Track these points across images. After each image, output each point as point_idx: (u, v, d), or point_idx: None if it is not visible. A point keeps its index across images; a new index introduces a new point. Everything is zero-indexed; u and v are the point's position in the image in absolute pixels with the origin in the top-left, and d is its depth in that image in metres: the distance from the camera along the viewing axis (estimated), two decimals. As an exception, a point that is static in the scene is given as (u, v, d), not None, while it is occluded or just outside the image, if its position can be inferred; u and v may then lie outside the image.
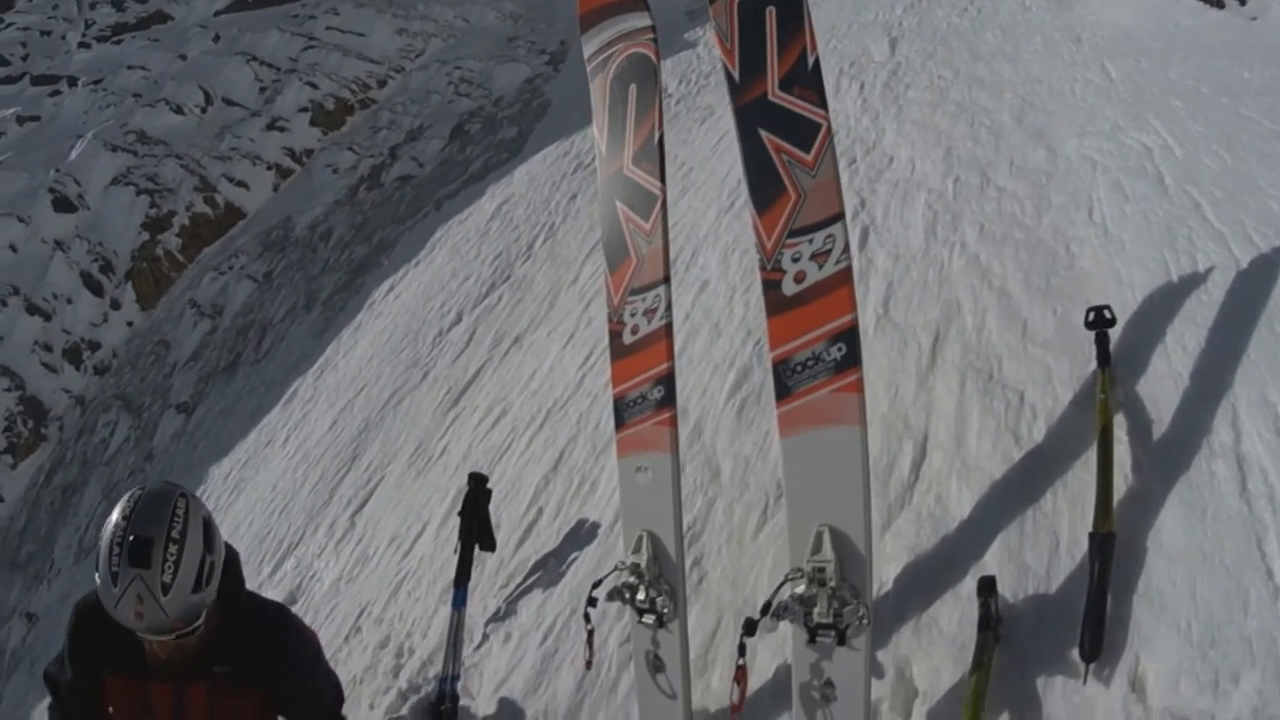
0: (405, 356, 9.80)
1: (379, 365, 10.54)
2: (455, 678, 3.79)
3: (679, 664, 2.72)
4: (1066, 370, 3.15)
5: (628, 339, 3.04)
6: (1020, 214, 4.55)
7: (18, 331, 31.69)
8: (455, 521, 4.88)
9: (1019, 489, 2.80)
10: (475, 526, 4.04)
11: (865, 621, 2.29)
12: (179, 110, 36.60)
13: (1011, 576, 2.50)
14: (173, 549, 2.79)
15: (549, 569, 3.97)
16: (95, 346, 31.79)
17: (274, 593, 6.91)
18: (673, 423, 2.81)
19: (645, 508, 2.87)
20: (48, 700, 3.36)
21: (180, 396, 22.02)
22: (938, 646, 2.48)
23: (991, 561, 2.60)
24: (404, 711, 3.91)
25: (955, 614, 2.53)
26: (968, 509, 2.85)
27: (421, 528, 5.40)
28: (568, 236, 10.36)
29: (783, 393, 2.50)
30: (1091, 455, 2.67)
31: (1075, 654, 2.22)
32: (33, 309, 32.09)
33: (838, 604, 2.31)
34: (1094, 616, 2.22)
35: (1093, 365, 2.98)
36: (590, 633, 2.99)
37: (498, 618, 3.97)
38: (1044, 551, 2.56)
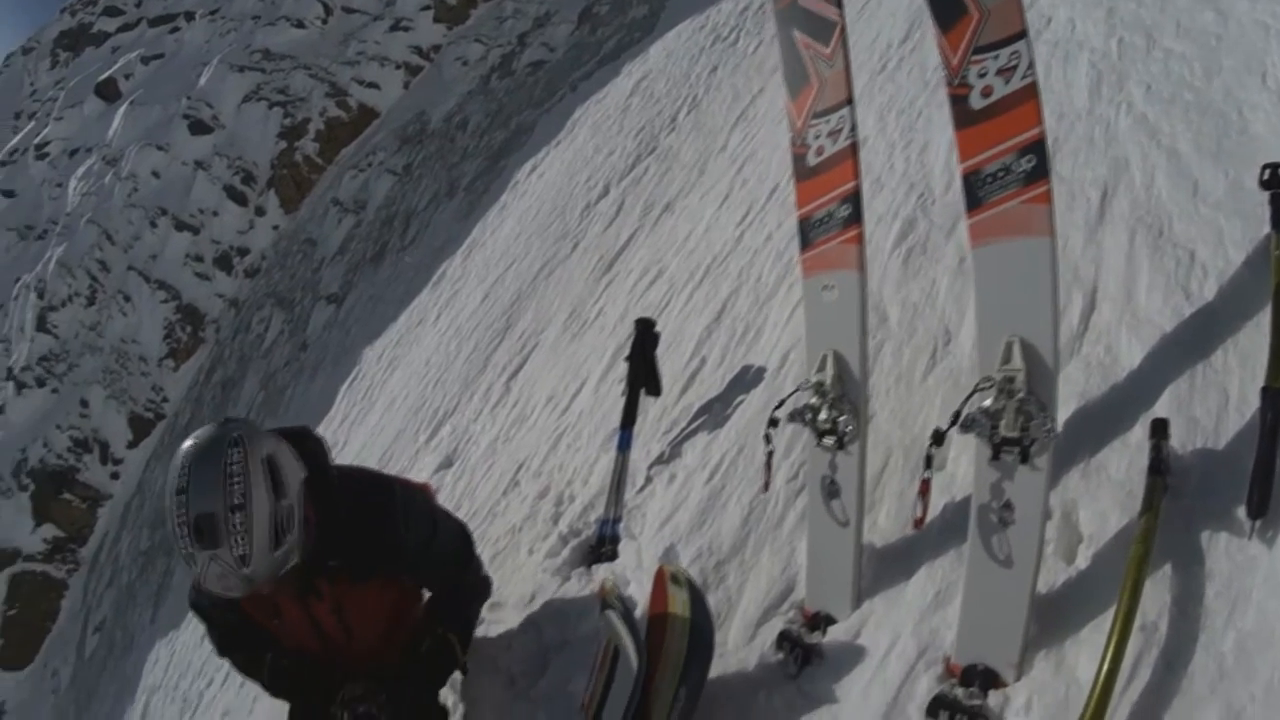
0: (554, 230, 9.92)
1: (527, 240, 10.71)
2: (616, 520, 3.88)
3: (855, 489, 2.73)
4: (1239, 232, 3.00)
5: (812, 160, 3.01)
6: (1189, 76, 4.32)
7: (169, 247, 33.30)
8: (615, 377, 4.96)
9: (1189, 344, 2.70)
10: (642, 370, 4.08)
11: (1051, 435, 2.26)
12: (300, 24, 37.47)
13: (1180, 429, 2.43)
14: (238, 517, 2.77)
15: (714, 413, 4.01)
16: (244, 252, 33.18)
17: (431, 458, 7.19)
18: (860, 240, 2.79)
19: (830, 326, 2.86)
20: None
21: (330, 288, 22.80)
22: (1105, 492, 2.44)
23: (1160, 412, 2.52)
24: (564, 554, 4.03)
25: (1124, 461, 2.48)
26: (1137, 360, 2.78)
27: (580, 385, 5.51)
28: (712, 107, 10.27)
29: (973, 203, 2.47)
30: (1263, 317, 2.55)
31: (1241, 511, 2.15)
32: (181, 225, 33.63)
33: (1024, 418, 2.29)
34: (1262, 473, 2.14)
35: (1266, 229, 2.84)
36: (770, 455, 3.00)
37: (661, 460, 4.04)
38: (1213, 407, 2.47)
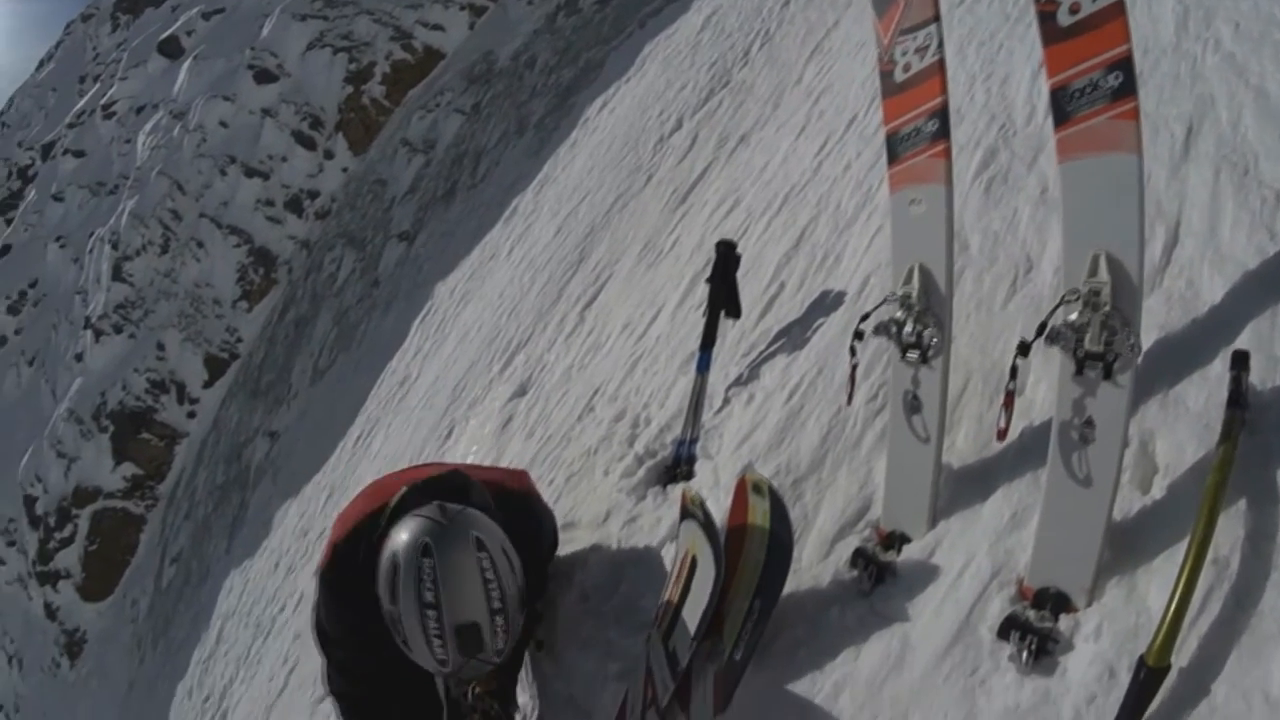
0: (627, 163, 9.92)
1: (600, 174, 10.72)
2: (694, 440, 3.91)
3: (937, 404, 2.75)
4: (1326, 175, 2.97)
5: (899, 77, 3.01)
6: (1280, 14, 4.23)
7: (240, 193, 33.85)
8: (692, 303, 4.99)
9: (1272, 282, 2.66)
10: (723, 292, 4.09)
11: (1135, 351, 2.27)
12: (361, -30, 37.34)
13: (1260, 366, 2.41)
14: (499, 620, 2.79)
15: (792, 336, 4.03)
16: (314, 195, 33.60)
17: (505, 387, 7.30)
18: (947, 155, 2.79)
19: (917, 240, 2.87)
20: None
21: (401, 226, 23.02)
22: (1183, 423, 2.42)
23: (1241, 348, 2.52)
24: (639, 475, 4.09)
25: (1202, 394, 2.46)
26: (1219, 296, 2.74)
27: (656, 312, 5.54)
28: (785, 41, 10.15)
29: (1061, 118, 2.46)
30: (1349, 258, 2.54)
31: (1320, 450, 2.11)
32: (251, 172, 34.13)
33: (1108, 333, 2.29)
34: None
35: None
36: (854, 368, 3.04)
37: (740, 382, 4.07)
38: (1296, 346, 2.47)
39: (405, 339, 16.15)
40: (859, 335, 2.96)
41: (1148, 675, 1.89)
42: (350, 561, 3.11)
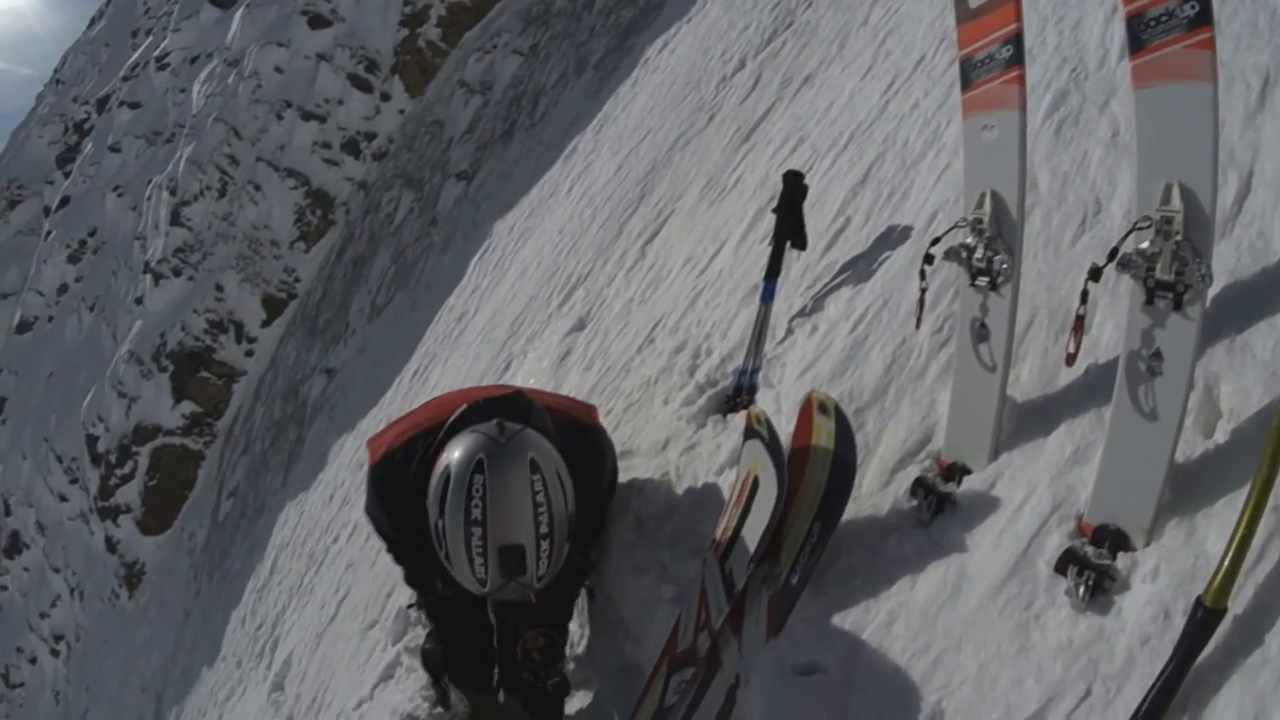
0: (689, 103, 9.85)
1: (662, 113, 10.66)
2: (755, 370, 3.92)
3: (1005, 332, 2.74)
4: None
5: (974, 3, 2.98)
6: (1365, -37, 4.10)
7: (296, 137, 34.06)
8: (755, 237, 4.99)
9: None
10: (789, 223, 4.08)
11: (1206, 281, 2.25)
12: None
13: None
14: (544, 545, 2.79)
15: (858, 269, 4.02)
16: (371, 137, 33.69)
17: (564, 320, 7.35)
18: (1021, 81, 2.77)
19: (990, 166, 2.86)
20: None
21: (459, 166, 23.05)
22: (1249, 370, 2.39)
23: None
24: (700, 403, 4.12)
25: (1270, 342, 2.42)
26: None
27: (719, 247, 5.54)
28: (850, -18, 10.01)
29: (1136, 46, 2.44)
30: None
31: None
32: (307, 115, 34.32)
33: (1179, 263, 2.28)
34: None
35: None
36: (923, 292, 3.04)
37: (803, 313, 4.07)
38: (1368, 298, 2.42)
39: (463, 276, 16.19)
40: (929, 259, 2.96)
41: (1205, 615, 1.89)
42: (400, 468, 3.17)
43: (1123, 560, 2.21)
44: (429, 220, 22.67)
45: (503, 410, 3.09)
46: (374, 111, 34.84)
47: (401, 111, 34.23)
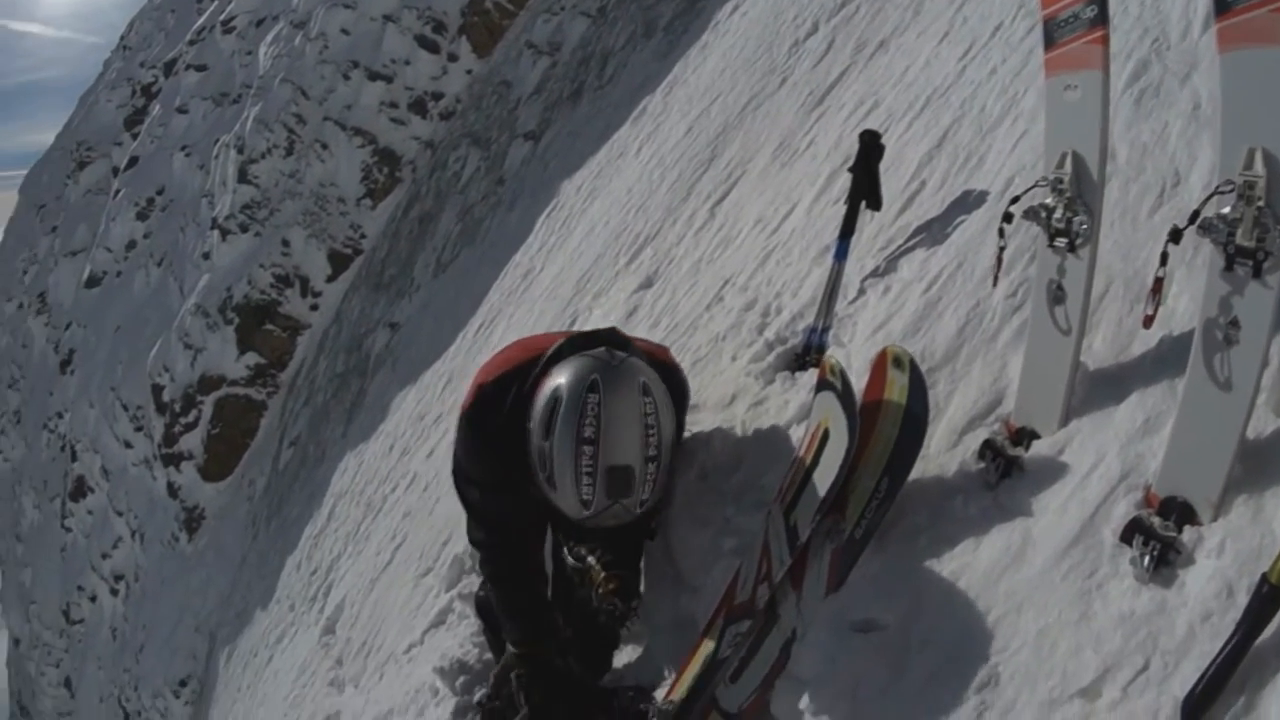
0: (760, 65, 9.76)
1: (733, 75, 10.58)
2: (826, 329, 3.89)
3: (1081, 294, 2.71)
4: None
5: (1058, -39, 2.94)
6: None
7: (363, 96, 34.31)
8: (828, 199, 4.96)
9: None
10: (865, 183, 4.05)
11: None
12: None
13: None
14: (651, 468, 2.80)
15: (932, 232, 3.98)
16: (438, 97, 33.83)
17: (632, 278, 7.36)
18: (1104, 41, 2.71)
19: (1071, 126, 2.81)
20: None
21: (527, 126, 23.07)
22: None
23: None
24: (769, 360, 4.12)
25: None
26: None
27: (790, 208, 5.51)
28: (927, -53, 9.85)
29: (1222, 8, 2.38)
30: None
31: None
32: (374, 75, 34.54)
33: (1260, 230, 2.24)
34: None
35: None
36: (1001, 250, 3.02)
37: (876, 274, 4.04)
38: None
39: (529, 234, 16.24)
40: (1008, 218, 2.93)
41: (1269, 593, 1.87)
42: (495, 405, 3.17)
43: (1188, 534, 2.19)
44: (496, 179, 22.74)
45: (603, 341, 3.11)
46: (441, 72, 34.98)
47: (469, 72, 34.32)
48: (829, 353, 3.82)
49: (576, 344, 3.13)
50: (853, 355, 3.70)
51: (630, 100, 15.67)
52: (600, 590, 3.42)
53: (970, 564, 2.55)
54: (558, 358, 3.08)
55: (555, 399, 2.87)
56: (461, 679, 5.20)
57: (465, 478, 3.50)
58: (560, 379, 2.90)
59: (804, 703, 2.73)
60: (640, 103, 14.78)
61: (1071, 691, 2.12)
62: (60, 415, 45.96)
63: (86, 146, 54.36)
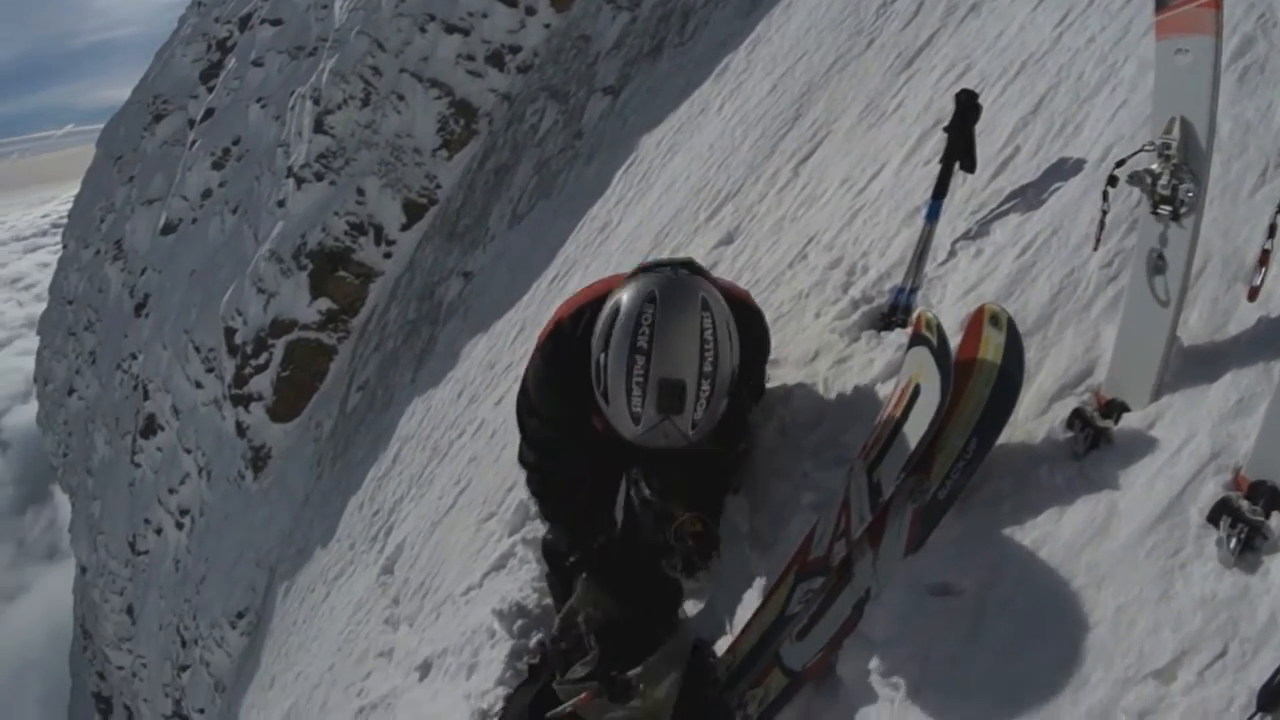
0: (847, 26, 9.62)
1: (818, 35, 10.43)
2: (914, 289, 3.84)
3: (1183, 264, 2.64)
4: None
5: (1171, -77, 2.85)
6: None
7: (440, 49, 34.34)
8: (918, 160, 4.89)
9: None
10: (960, 143, 3.98)
11: None
12: None
13: None
14: (705, 386, 2.76)
15: (1027, 197, 3.90)
16: (515, 50, 33.73)
17: (712, 234, 7.32)
18: (1218, 5, 2.64)
19: (1181, 91, 2.73)
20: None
21: (606, 81, 22.95)
22: None
23: None
24: (854, 318, 4.08)
25: None
26: None
27: (878, 169, 5.43)
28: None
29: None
30: None
31: None
32: (451, 29, 34.52)
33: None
34: None
35: None
36: (1104, 214, 2.95)
37: (968, 237, 3.97)
38: None
39: (607, 188, 16.17)
40: (1112, 181, 2.86)
41: None
42: (569, 338, 3.19)
43: (1276, 520, 2.13)
44: (574, 133, 22.69)
45: (675, 265, 3.10)
46: (519, 25, 34.86)
47: (547, 26, 34.17)
48: (913, 316, 3.77)
49: (648, 268, 3.13)
50: (942, 317, 3.59)
51: (712, 57, 15.51)
52: (682, 529, 3.40)
53: (1052, 534, 2.52)
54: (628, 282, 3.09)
55: (614, 311, 2.88)
56: (519, 622, 5.27)
57: (528, 405, 3.55)
58: (623, 294, 2.91)
59: (873, 664, 2.74)
60: (722, 60, 14.64)
61: (1146, 671, 2.09)
62: (134, 356, 46.93)
63: (162, 100, 55.07)
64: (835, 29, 10.00)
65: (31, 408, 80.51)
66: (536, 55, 33.49)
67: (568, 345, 3.21)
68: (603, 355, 2.88)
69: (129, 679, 44.55)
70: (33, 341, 76.93)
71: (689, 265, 3.20)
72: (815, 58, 9.70)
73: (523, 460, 3.68)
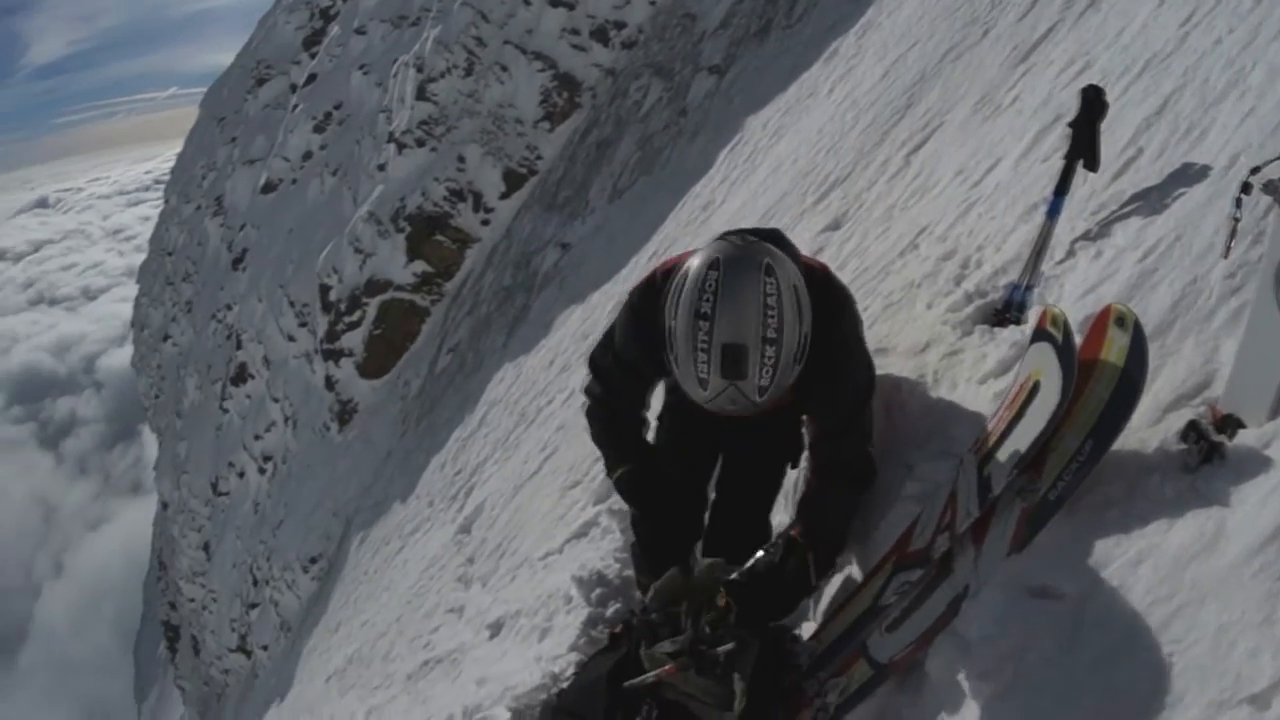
0: (961, 14, 9.46)
1: (931, 23, 10.27)
2: (1030, 287, 3.75)
3: (1311, 283, 2.58)
4: None
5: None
6: None
7: (544, 22, 34.47)
8: (1037, 156, 4.79)
9: None
10: (1085, 140, 3.88)
11: None
12: None
13: None
14: (769, 350, 2.74)
15: (1149, 201, 3.79)
16: (620, 25, 33.74)
17: (819, 218, 7.25)
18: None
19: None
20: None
21: (711, 60, 22.85)
22: None
23: None
24: (967, 311, 4.02)
25: None
26: None
27: (994, 162, 5.33)
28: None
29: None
30: None
31: None
32: (556, 2, 34.72)
33: None
34: None
35: None
36: (1236, 222, 2.87)
37: (1087, 237, 3.87)
38: None
39: (711, 166, 16.11)
40: (1246, 188, 2.78)
41: None
42: (658, 291, 3.19)
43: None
44: (678, 110, 22.63)
45: (754, 233, 3.11)
46: (624, 1, 34.85)
47: (652, 3, 34.09)
48: (1028, 314, 3.71)
49: (729, 234, 3.13)
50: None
51: (821, 41, 15.36)
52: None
53: (1159, 546, 2.46)
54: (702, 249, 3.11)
55: (683, 277, 2.89)
56: (598, 591, 5.30)
57: (608, 343, 3.58)
58: (693, 261, 2.92)
59: (964, 662, 2.71)
60: (832, 44, 14.49)
61: (1242, 696, 2.03)
62: (229, 307, 48.12)
63: (265, 65, 56.08)
64: (949, 17, 9.85)
65: (126, 351, 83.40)
66: (641, 32, 33.46)
67: (654, 300, 3.21)
68: (672, 321, 2.90)
69: (198, 611, 46.55)
70: (131, 289, 79.63)
71: (771, 234, 3.19)
72: (928, 45, 9.55)
73: (587, 389, 3.75)
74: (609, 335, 3.59)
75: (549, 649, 5.36)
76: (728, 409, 2.92)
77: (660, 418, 4.01)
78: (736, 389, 2.82)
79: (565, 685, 4.62)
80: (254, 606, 37.28)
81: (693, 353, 2.79)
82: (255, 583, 37.54)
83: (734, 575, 3.45)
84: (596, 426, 3.74)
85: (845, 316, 3.27)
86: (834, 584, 3.77)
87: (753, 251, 2.85)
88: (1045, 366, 2.77)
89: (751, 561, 3.48)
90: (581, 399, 3.88)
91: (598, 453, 3.93)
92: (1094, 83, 4.06)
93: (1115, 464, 2.72)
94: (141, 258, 74.92)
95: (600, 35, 34.84)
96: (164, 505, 55.33)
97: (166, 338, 58.06)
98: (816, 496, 3.49)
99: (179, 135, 74.51)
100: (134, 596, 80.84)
